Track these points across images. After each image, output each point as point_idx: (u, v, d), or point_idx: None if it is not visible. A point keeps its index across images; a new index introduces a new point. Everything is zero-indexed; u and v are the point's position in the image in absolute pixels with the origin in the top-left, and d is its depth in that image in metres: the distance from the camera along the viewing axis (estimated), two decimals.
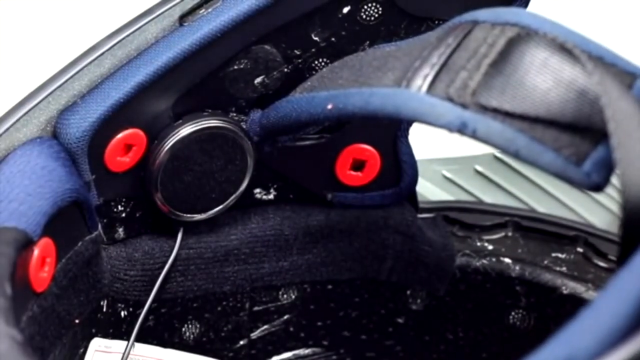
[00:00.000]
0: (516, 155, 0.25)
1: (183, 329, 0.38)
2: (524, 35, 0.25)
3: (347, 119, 0.36)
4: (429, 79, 0.26)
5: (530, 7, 0.35)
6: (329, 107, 0.29)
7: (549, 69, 0.24)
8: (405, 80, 0.27)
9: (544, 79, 0.24)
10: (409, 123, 0.38)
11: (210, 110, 0.33)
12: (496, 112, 0.25)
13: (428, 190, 0.51)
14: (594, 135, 0.24)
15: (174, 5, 0.32)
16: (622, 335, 0.18)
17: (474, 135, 0.25)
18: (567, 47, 0.24)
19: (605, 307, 0.18)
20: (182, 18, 0.32)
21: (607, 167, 0.24)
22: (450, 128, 0.25)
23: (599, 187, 0.24)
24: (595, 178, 0.24)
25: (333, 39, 0.33)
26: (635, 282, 0.18)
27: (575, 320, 0.19)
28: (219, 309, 0.39)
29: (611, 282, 0.19)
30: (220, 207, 0.35)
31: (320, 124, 0.35)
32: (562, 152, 0.24)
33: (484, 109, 0.25)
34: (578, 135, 0.24)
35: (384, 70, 0.29)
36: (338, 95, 0.30)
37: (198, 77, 0.32)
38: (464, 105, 0.25)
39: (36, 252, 0.28)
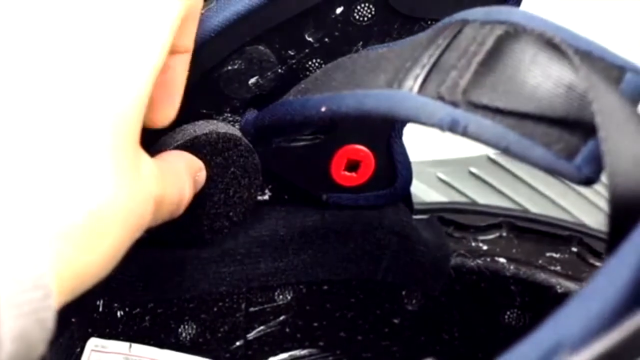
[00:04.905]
0: (507, 151, 0.25)
1: (179, 330, 0.38)
2: (512, 33, 0.25)
3: (341, 120, 0.36)
4: (420, 79, 0.27)
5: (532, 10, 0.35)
6: (323, 109, 0.30)
7: (538, 65, 0.25)
8: (397, 81, 0.27)
9: (533, 75, 0.25)
10: (403, 123, 0.38)
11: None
12: (487, 109, 0.25)
13: (423, 192, 0.52)
14: (585, 130, 0.24)
15: None
16: (611, 321, 0.18)
17: (464, 133, 0.25)
18: (554, 42, 0.24)
19: (593, 294, 0.19)
20: None
21: (598, 161, 0.24)
22: (441, 126, 0.25)
23: (590, 181, 0.24)
24: (586, 171, 0.24)
25: (326, 39, 0.33)
26: (623, 269, 0.19)
27: (563, 307, 0.19)
28: (215, 309, 0.39)
29: (600, 270, 0.19)
30: None
31: (315, 125, 0.36)
32: (553, 146, 0.24)
33: (475, 107, 0.25)
34: (568, 130, 0.24)
35: (377, 72, 0.29)
36: (332, 98, 0.30)
37: (192, 78, 0.32)
38: (454, 104, 0.25)
39: None
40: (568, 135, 0.24)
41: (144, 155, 0.26)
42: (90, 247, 0.22)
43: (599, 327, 0.18)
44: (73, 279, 0.22)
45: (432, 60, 0.27)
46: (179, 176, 0.30)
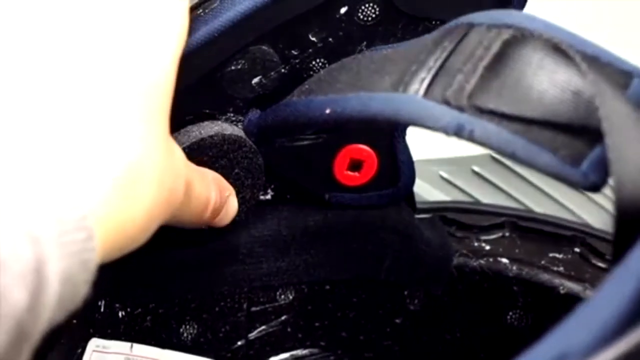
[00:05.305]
0: (513, 157, 0.25)
1: (181, 330, 0.38)
2: (519, 37, 0.25)
3: (345, 122, 0.36)
4: (426, 82, 0.26)
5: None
6: (327, 111, 0.30)
7: (544, 70, 0.24)
8: (403, 84, 0.27)
9: (539, 81, 0.24)
10: (406, 124, 0.38)
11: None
12: (493, 114, 0.25)
13: (425, 191, 0.52)
14: (591, 136, 0.24)
15: None
16: (617, 332, 0.18)
17: (470, 138, 0.25)
18: (561, 47, 0.24)
19: (600, 303, 0.19)
20: None
21: (604, 167, 0.24)
22: (447, 131, 0.25)
23: (596, 187, 0.24)
24: (592, 178, 0.24)
25: (330, 39, 0.33)
26: (630, 279, 0.19)
27: (570, 316, 0.19)
28: (217, 309, 0.39)
29: (607, 279, 0.19)
30: None
31: (319, 126, 0.35)
32: (559, 152, 0.24)
33: (481, 112, 0.25)
34: (575, 136, 0.24)
35: (382, 74, 0.29)
36: (336, 100, 0.30)
37: (195, 77, 0.32)
38: (460, 108, 0.25)
39: None
40: (574, 141, 0.24)
41: (174, 142, 0.28)
42: (130, 199, 0.24)
43: (605, 337, 0.18)
44: (115, 230, 0.23)
45: (438, 63, 0.27)
46: (205, 177, 0.32)
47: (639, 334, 0.18)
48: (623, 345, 0.18)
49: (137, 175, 0.24)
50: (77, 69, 0.24)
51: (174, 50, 0.27)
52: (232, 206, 0.34)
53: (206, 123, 0.33)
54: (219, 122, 0.34)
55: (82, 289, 0.22)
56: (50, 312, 0.20)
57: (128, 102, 0.24)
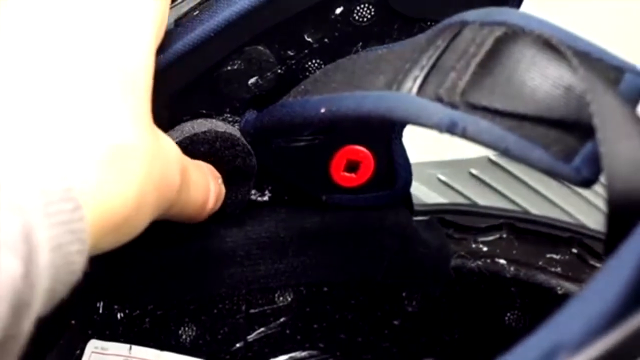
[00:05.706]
0: (506, 153, 0.25)
1: (179, 332, 0.38)
2: (511, 34, 0.25)
3: (340, 121, 0.36)
4: (419, 80, 0.27)
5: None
6: (322, 110, 0.30)
7: (536, 67, 0.25)
8: (396, 82, 0.27)
9: (531, 77, 0.25)
10: (402, 125, 0.38)
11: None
12: (485, 110, 0.25)
13: (423, 193, 0.52)
14: (583, 131, 0.24)
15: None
16: (611, 322, 0.18)
17: (463, 134, 0.25)
18: (553, 43, 0.24)
19: (593, 295, 0.19)
20: (177, 21, 0.32)
21: (596, 162, 0.24)
22: (440, 128, 0.25)
23: (589, 182, 0.24)
24: (585, 173, 0.24)
25: (326, 39, 0.33)
26: (622, 271, 0.19)
27: (563, 308, 0.19)
28: (215, 311, 0.39)
29: (599, 272, 0.19)
30: None
31: (314, 126, 0.36)
32: (551, 148, 0.24)
33: (474, 108, 0.25)
34: (567, 131, 0.24)
35: (376, 73, 0.29)
36: (331, 99, 0.30)
37: (192, 77, 0.32)
38: (453, 105, 0.25)
39: None
40: (566, 136, 0.24)
41: (159, 130, 0.28)
42: (117, 179, 0.24)
43: (598, 328, 0.18)
44: (104, 209, 0.23)
45: (431, 61, 0.27)
46: (201, 168, 0.32)
47: (632, 323, 0.18)
48: (617, 334, 0.18)
49: (122, 155, 0.24)
50: (60, 52, 0.25)
51: (151, 36, 0.27)
52: (222, 192, 0.34)
53: (200, 120, 0.33)
54: (213, 120, 0.34)
55: (77, 260, 0.22)
56: (45, 280, 0.20)
57: (108, 85, 0.25)
